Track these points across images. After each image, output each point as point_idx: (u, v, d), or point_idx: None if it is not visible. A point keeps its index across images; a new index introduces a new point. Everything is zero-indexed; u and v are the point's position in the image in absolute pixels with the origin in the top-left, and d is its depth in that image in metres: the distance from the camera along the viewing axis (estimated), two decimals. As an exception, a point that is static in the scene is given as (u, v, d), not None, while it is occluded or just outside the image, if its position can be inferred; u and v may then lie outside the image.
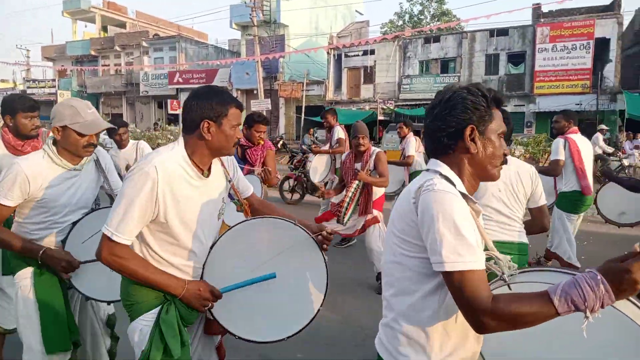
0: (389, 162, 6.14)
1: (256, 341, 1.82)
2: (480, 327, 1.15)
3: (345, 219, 4.46)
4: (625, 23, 22.03)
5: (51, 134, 2.19)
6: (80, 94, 36.23)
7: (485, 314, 1.12)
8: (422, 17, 35.11)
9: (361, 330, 3.70)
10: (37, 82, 37.15)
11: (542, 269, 1.39)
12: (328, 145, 6.70)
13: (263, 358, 3.27)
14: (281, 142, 24.11)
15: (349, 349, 3.49)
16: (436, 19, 34.15)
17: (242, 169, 3.80)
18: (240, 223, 1.84)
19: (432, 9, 34.97)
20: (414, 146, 6.25)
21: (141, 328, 1.73)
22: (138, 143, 4.88)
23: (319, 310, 1.82)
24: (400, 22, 35.63)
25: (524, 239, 2.77)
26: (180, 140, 1.74)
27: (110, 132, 4.75)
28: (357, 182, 4.42)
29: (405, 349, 1.30)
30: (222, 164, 1.92)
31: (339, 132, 6.50)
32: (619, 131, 18.74)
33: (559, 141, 4.57)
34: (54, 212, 2.15)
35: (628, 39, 23.44)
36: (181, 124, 1.77)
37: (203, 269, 1.84)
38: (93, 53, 35.94)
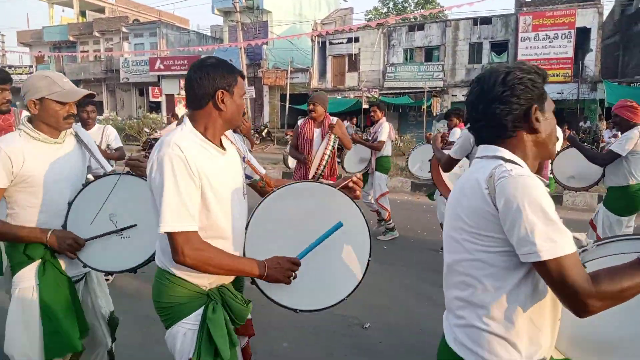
0: (360, 142, 6.21)
1: (316, 309, 1.79)
2: (584, 310, 1.10)
3: (320, 173, 4.70)
4: (605, 13, 22.30)
5: (24, 113, 2.11)
6: (59, 81, 35.38)
7: (591, 296, 1.08)
8: (407, 4, 35.05)
9: (344, 319, 3.73)
10: (13, 69, 36.14)
11: (613, 239, 1.36)
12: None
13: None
14: (266, 131, 23.99)
15: (334, 337, 3.51)
16: (420, 7, 34.11)
17: None
18: (268, 196, 1.79)
19: (416, -3, 34.93)
20: (387, 132, 6.22)
21: (185, 332, 1.61)
22: (105, 127, 4.68)
23: (369, 261, 1.81)
24: (385, 10, 35.52)
25: None
26: (187, 121, 1.65)
27: (77, 108, 4.49)
28: (334, 135, 4.70)
29: (495, 348, 1.24)
30: (232, 142, 1.83)
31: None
32: (599, 120, 19.07)
33: None
34: (45, 191, 2.03)
35: (608, 28, 23.76)
36: (186, 101, 1.70)
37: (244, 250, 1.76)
38: (71, 39, 35.05)
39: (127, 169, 2.19)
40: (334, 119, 4.83)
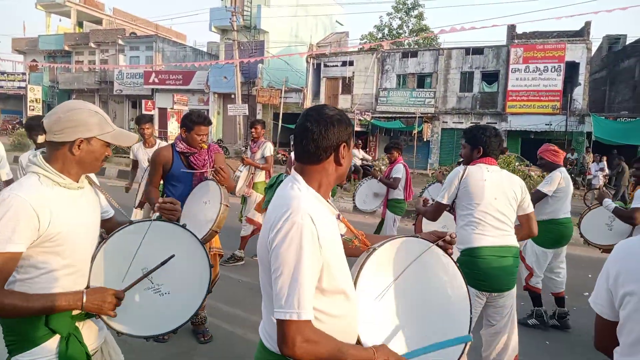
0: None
1: None
2: None
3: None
4: (594, 49, 22.94)
5: (31, 150, 1.85)
6: (52, 90, 35.25)
7: None
8: (401, 31, 35.72)
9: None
10: (6, 75, 35.96)
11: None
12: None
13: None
14: (256, 148, 24.09)
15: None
16: (414, 34, 34.79)
17: (191, 176, 3.47)
18: (371, 254, 1.61)
19: (410, 24, 35.64)
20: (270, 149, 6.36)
21: None
22: None
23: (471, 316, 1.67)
24: (380, 35, 36.14)
25: (517, 243, 3.00)
26: (299, 178, 1.49)
27: (30, 131, 4.03)
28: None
29: None
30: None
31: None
32: (586, 152, 19.40)
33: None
34: (74, 248, 1.69)
35: (595, 64, 24.43)
36: (295, 155, 1.53)
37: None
38: (67, 48, 35.07)
39: (157, 214, 1.99)
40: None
